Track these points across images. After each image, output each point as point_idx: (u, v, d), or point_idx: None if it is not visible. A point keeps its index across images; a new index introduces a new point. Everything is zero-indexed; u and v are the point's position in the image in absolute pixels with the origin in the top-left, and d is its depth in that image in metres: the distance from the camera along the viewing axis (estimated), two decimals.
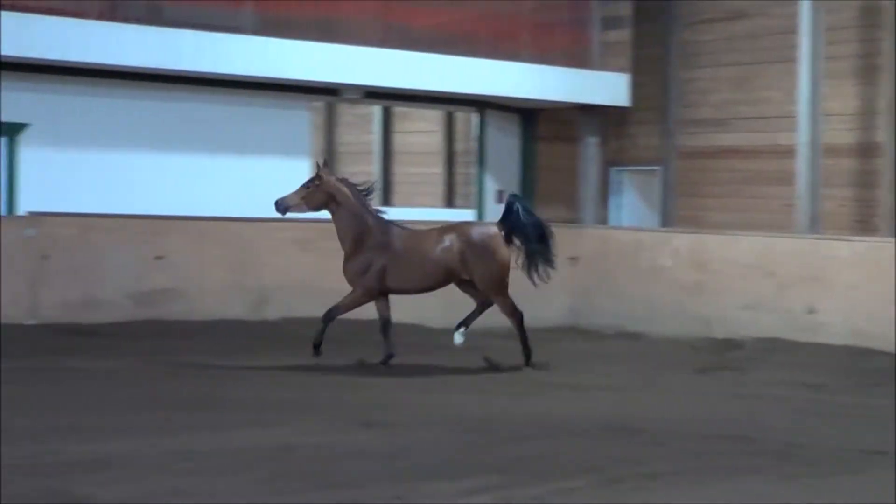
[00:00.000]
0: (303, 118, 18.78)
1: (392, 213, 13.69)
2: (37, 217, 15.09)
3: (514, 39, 19.64)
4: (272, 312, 15.79)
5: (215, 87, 17.46)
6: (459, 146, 23.56)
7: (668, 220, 20.16)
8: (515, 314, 13.19)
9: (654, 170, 20.57)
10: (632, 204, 21.09)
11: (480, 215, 19.92)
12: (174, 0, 16.89)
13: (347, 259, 13.06)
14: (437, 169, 24.07)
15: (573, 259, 16.82)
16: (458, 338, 13.31)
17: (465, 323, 13.34)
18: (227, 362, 12.76)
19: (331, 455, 8.37)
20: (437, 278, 13.18)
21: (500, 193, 19.79)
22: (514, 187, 19.66)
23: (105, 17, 16.09)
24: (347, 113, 25.60)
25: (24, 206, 15.91)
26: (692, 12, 19.94)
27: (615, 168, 21.05)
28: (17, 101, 15.98)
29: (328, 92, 18.79)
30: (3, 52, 14.86)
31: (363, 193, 13.22)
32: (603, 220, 20.50)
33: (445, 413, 10.25)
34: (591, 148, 20.75)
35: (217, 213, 16.15)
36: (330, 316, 12.90)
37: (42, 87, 16.26)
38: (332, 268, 13.36)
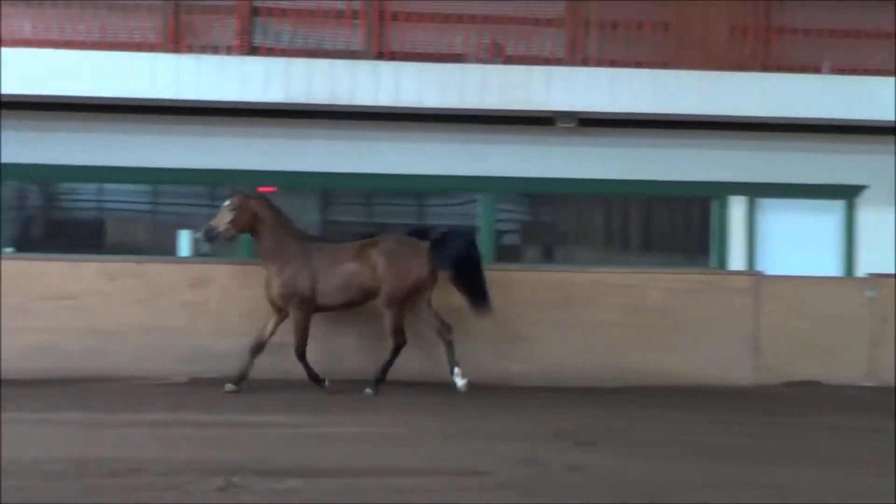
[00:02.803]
0: None
1: None
2: (877, 278, 15.17)
3: None
4: None
5: None
6: None
7: None
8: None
9: None
10: None
11: None
12: None
13: (273, 278, 13.06)
14: None
15: None
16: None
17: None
18: None
19: None
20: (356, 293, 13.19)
21: None
22: None
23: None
24: None
25: (863, 267, 16.04)
26: None
27: None
28: (856, 162, 16.22)
29: None
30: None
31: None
32: None
33: None
34: None
35: None
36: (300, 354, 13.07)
37: (883, 148, 16.32)
38: None
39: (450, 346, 13.48)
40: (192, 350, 13.84)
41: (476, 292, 13.50)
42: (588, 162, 15.76)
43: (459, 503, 8.42)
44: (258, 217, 13.17)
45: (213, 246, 13.59)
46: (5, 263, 14.06)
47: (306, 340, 13.15)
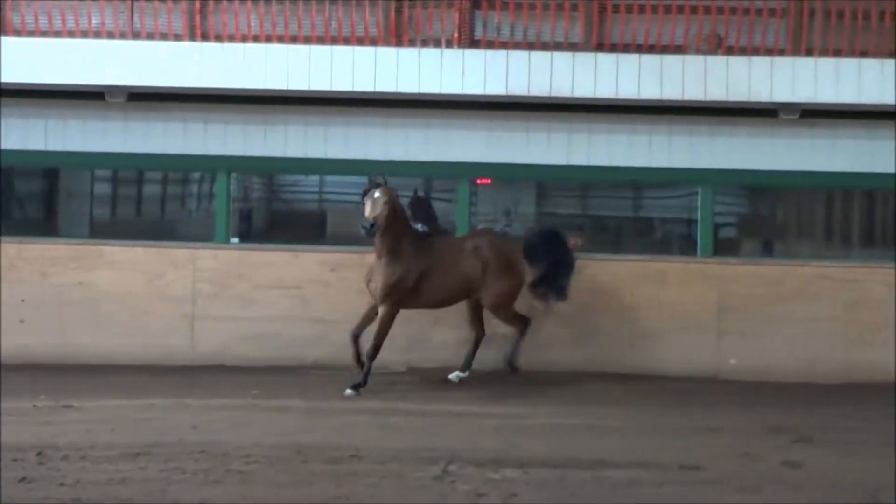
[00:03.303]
0: None
1: None
2: None
3: None
4: None
5: None
6: None
7: None
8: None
9: None
10: None
11: None
12: None
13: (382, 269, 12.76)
14: None
15: None
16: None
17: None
18: None
19: None
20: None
21: None
22: None
23: None
24: None
25: None
26: None
27: None
28: None
29: None
30: None
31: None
32: None
33: None
34: None
35: None
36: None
37: None
38: None
39: (477, 344, 13.48)
40: (410, 340, 14.09)
41: (559, 288, 13.33)
42: (810, 154, 15.43)
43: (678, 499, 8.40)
44: (396, 209, 12.96)
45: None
46: (230, 253, 14.62)
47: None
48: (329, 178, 16.18)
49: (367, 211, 12.66)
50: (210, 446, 9.49)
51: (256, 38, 14.76)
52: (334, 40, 14.74)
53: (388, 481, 8.60)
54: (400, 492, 8.29)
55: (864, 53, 14.73)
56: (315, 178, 16.30)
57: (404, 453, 9.45)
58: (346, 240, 14.99)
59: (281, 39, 14.80)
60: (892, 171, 15.36)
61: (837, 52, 14.73)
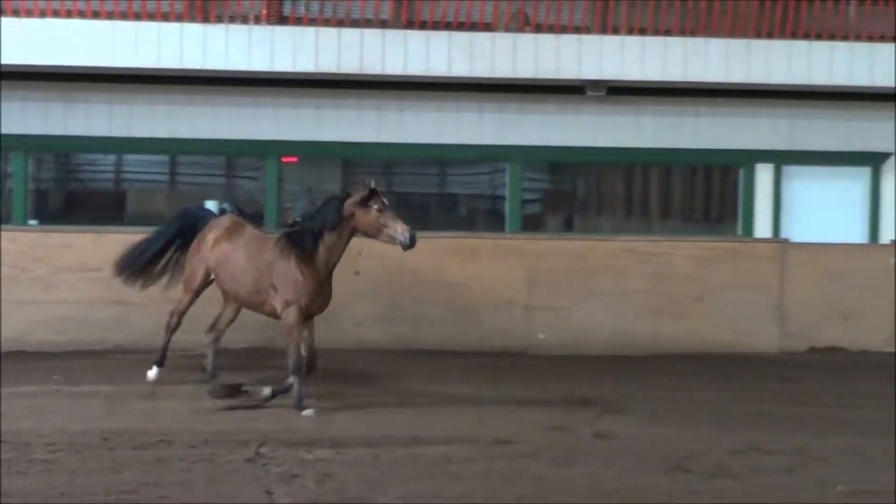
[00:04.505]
0: None
1: None
2: None
3: None
4: None
5: None
6: None
7: None
8: None
9: None
10: None
11: None
12: None
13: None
14: None
15: None
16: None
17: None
18: None
19: None
20: None
21: None
22: None
23: None
24: None
25: (887, 234, 15.99)
26: None
27: None
28: (883, 130, 16.13)
29: None
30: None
31: None
32: None
33: None
34: None
35: None
36: None
37: None
38: None
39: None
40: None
41: None
42: (616, 131, 15.71)
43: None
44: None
45: None
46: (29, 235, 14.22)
47: None
48: (133, 157, 15.84)
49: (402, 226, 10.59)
50: (10, 435, 9.16)
51: (57, 14, 14.30)
52: (138, 16, 14.38)
53: (200, 466, 8.43)
54: (212, 476, 8.13)
55: (667, 32, 15.04)
56: (119, 158, 15.94)
57: (215, 437, 9.29)
58: (149, 220, 14.66)
59: (83, 15, 14.37)
60: (694, 146, 15.77)
61: (643, 31, 15.00)
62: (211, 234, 11.40)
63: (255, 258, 11.01)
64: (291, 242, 10.67)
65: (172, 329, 11.77)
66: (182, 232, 11.85)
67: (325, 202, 10.82)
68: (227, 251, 11.22)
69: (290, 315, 10.58)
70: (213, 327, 11.65)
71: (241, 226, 11.49)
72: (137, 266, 11.86)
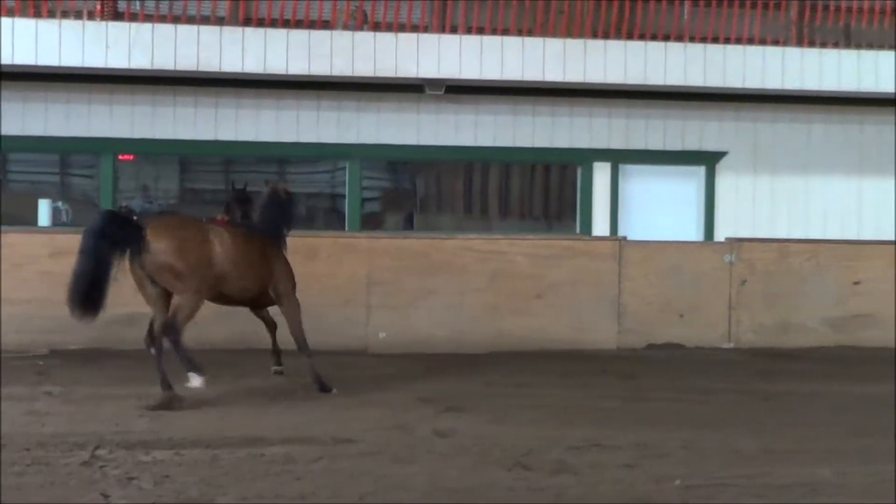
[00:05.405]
0: None
1: None
2: (735, 243, 15.51)
3: None
4: None
5: None
6: None
7: None
8: None
9: None
10: None
11: None
12: None
13: None
14: None
15: None
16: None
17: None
18: None
19: None
20: None
21: None
22: None
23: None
24: None
25: (722, 232, 16.41)
26: None
27: None
28: (716, 129, 16.59)
29: None
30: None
31: None
32: None
33: None
34: None
35: None
36: None
37: (742, 115, 16.71)
38: None
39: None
40: (54, 322, 13.53)
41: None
42: (455, 130, 15.82)
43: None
44: None
45: None
46: None
47: None
48: None
49: None
50: None
51: None
52: None
53: (35, 469, 8.23)
54: (48, 479, 7.94)
55: (505, 31, 15.19)
56: None
57: (50, 439, 9.07)
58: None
59: None
60: (532, 145, 15.96)
61: (481, 30, 15.13)
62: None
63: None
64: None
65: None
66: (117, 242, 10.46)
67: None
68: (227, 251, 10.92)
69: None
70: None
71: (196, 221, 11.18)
72: (98, 298, 10.42)
